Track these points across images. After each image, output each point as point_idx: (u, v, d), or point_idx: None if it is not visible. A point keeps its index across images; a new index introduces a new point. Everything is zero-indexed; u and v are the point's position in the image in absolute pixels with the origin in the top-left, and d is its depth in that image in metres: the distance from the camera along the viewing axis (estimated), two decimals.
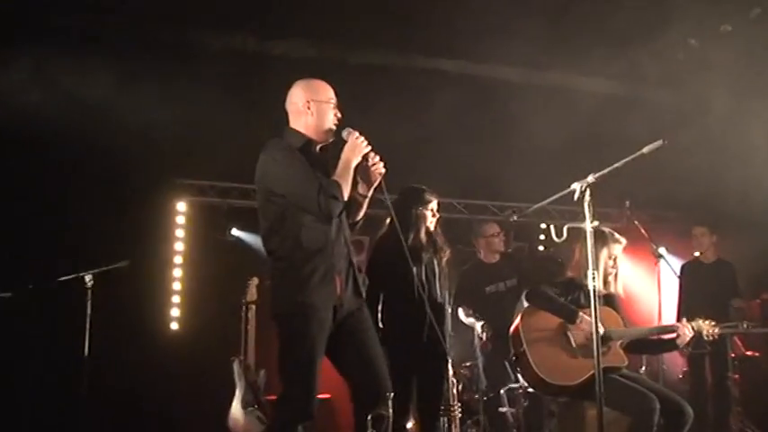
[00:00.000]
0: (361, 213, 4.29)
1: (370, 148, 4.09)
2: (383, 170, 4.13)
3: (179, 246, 8.53)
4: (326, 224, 4.02)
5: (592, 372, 4.63)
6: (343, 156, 4.08)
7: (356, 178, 4.17)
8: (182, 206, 8.61)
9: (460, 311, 7.05)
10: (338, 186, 3.98)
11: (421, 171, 6.31)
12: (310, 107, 4.16)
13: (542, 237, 9.76)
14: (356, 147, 4.06)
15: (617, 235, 5.25)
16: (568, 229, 4.06)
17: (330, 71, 4.46)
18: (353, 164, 4.06)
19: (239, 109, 7.41)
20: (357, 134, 4.10)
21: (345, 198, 4.02)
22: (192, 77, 7.29)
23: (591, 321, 4.80)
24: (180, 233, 8.56)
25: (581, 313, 4.95)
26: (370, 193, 4.23)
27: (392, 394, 4.07)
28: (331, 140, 4.22)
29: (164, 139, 7.44)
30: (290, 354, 3.99)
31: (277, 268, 4.07)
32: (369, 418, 4.04)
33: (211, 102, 7.33)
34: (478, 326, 6.74)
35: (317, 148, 4.23)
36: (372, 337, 4.17)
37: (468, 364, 7.20)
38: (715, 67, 7.39)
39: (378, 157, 4.11)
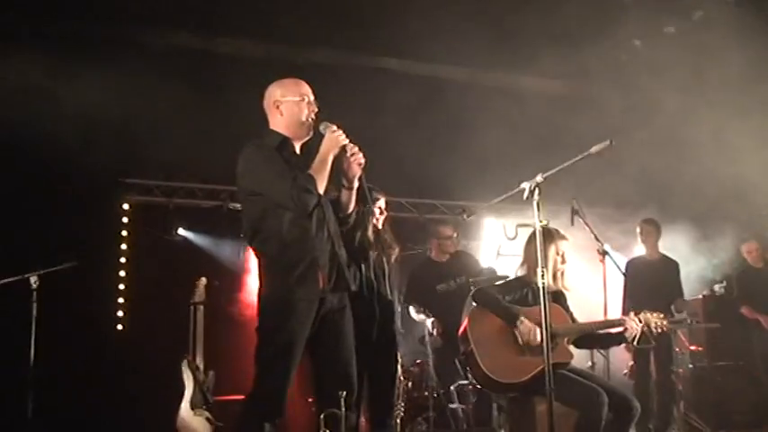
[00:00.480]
0: (351, 206, 4.33)
1: (347, 140, 4.14)
2: (362, 161, 4.17)
3: (124, 246, 8.48)
4: (306, 220, 4.08)
5: (539, 368, 4.76)
6: (321, 149, 4.14)
7: (334, 171, 4.20)
8: (126, 206, 8.57)
9: (411, 309, 7.15)
10: (312, 179, 4.03)
11: (370, 170, 6.34)
12: (279, 107, 4.24)
13: (491, 235, 9.91)
14: (333, 140, 4.12)
15: (563, 232, 5.38)
16: (518, 228, 4.15)
17: (278, 70, 4.50)
18: (330, 156, 4.12)
19: (186, 108, 7.39)
20: (334, 127, 4.15)
21: (321, 191, 4.08)
22: (137, 75, 7.27)
23: (530, 325, 4.97)
24: (125, 233, 8.51)
25: (522, 316, 5.06)
26: (355, 185, 4.26)
27: (345, 393, 4.13)
28: (310, 136, 4.27)
29: (108, 138, 7.41)
30: (266, 348, 4.06)
31: (261, 266, 4.17)
32: (321, 417, 4.10)
33: (157, 101, 7.29)
34: (429, 322, 6.85)
35: (298, 146, 4.28)
36: (350, 342, 4.23)
37: (418, 361, 7.29)
38: (660, 66, 7.59)
39: (356, 148, 4.16)
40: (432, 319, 6.87)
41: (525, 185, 4.14)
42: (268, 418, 4.01)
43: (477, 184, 7.21)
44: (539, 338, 4.85)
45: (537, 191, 4.11)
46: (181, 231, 8.64)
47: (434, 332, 6.78)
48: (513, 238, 4.25)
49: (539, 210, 4.10)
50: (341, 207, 4.32)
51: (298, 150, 4.28)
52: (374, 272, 5.32)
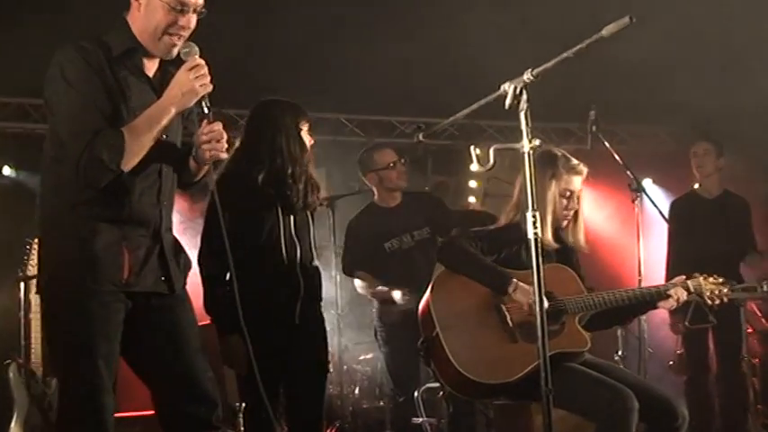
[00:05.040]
0: (200, 174, 4.24)
1: (208, 88, 3.98)
2: (223, 142, 4.04)
3: None
4: (129, 174, 3.95)
5: (537, 362, 4.72)
6: (167, 92, 3.99)
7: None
8: None
9: (357, 282, 7.13)
10: (119, 145, 3.86)
11: (294, 81, 6.32)
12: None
13: (473, 167, 9.93)
14: (185, 86, 3.95)
15: (575, 161, 5.29)
16: (496, 153, 4.09)
17: None
18: (173, 112, 3.97)
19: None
20: (198, 62, 3.99)
21: (130, 161, 3.90)
22: None
23: (529, 292, 4.90)
24: None
25: (514, 279, 5.00)
26: (206, 161, 4.13)
27: (244, 404, 4.30)
28: (170, 57, 4.10)
29: None
30: (53, 347, 4.13)
31: (45, 219, 4.09)
32: None
33: None
34: (397, 295, 6.83)
35: (154, 62, 4.16)
36: (193, 342, 4.21)
37: (367, 357, 7.32)
38: None
39: (207, 110, 4.02)
40: (399, 291, 6.84)
41: (507, 87, 4.05)
42: None
43: (447, 91, 7.16)
44: None
45: (524, 95, 4.03)
46: (6, 171, 8.66)
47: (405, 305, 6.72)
48: (490, 169, 4.16)
49: (527, 124, 4.02)
50: (185, 173, 4.25)
51: (153, 69, 4.16)
52: (295, 227, 5.23)
